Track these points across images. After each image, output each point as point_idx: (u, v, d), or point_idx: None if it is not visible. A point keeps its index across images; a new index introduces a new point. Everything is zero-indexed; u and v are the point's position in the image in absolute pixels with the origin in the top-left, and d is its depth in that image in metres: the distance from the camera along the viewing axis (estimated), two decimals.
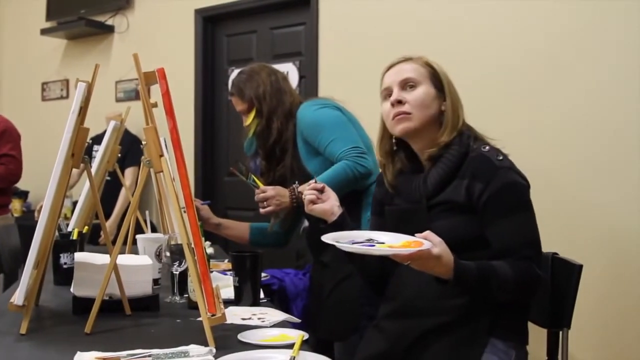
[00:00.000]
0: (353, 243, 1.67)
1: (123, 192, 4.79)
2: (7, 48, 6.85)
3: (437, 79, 1.97)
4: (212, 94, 5.29)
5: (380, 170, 2.14)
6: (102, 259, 2.04)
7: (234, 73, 5.10)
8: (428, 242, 1.62)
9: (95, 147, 4.80)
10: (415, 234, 1.66)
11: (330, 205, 2.03)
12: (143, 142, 1.91)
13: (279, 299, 2.72)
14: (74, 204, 3.82)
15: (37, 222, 1.72)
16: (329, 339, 2.67)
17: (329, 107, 2.70)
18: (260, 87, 2.76)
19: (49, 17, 6.20)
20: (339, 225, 1.98)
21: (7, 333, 1.72)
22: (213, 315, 1.59)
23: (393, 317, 1.96)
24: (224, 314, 1.61)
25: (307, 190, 2.04)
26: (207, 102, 5.25)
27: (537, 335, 2.09)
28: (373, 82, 2.05)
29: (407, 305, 1.93)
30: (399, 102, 1.94)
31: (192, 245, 1.63)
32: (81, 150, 1.81)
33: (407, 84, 1.95)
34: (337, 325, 2.61)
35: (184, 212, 1.65)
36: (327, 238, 1.67)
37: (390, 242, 1.68)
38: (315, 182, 2.06)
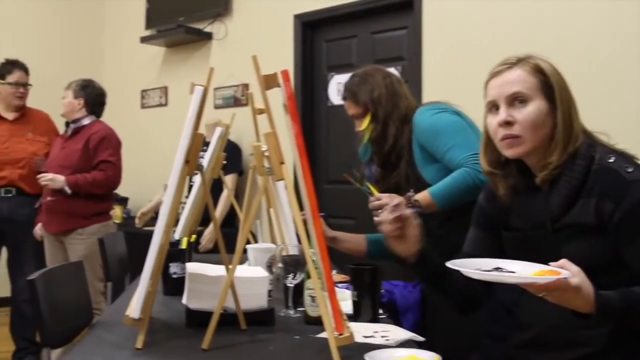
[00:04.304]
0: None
1: (222, 198, 4.75)
2: (108, 56, 6.98)
3: (549, 87, 1.71)
4: (311, 100, 5.23)
5: None
6: (214, 270, 1.97)
7: (334, 79, 5.03)
8: (566, 271, 1.43)
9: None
10: (550, 263, 1.47)
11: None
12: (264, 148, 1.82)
13: (387, 313, 2.59)
14: None
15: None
16: (445, 357, 2.52)
17: (448, 111, 2.56)
18: (375, 90, 2.64)
19: (148, 25, 6.29)
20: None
21: (122, 347, 1.67)
22: (340, 335, 1.48)
23: (528, 348, 1.80)
24: (351, 333, 1.50)
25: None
26: (306, 108, 5.19)
27: None
28: (480, 87, 1.87)
29: (543, 335, 1.75)
30: (508, 123, 1.71)
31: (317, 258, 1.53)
32: (195, 157, 1.75)
33: (515, 99, 1.71)
34: (455, 343, 2.47)
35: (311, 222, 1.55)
36: (454, 265, 1.52)
37: (522, 272, 1.51)
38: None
